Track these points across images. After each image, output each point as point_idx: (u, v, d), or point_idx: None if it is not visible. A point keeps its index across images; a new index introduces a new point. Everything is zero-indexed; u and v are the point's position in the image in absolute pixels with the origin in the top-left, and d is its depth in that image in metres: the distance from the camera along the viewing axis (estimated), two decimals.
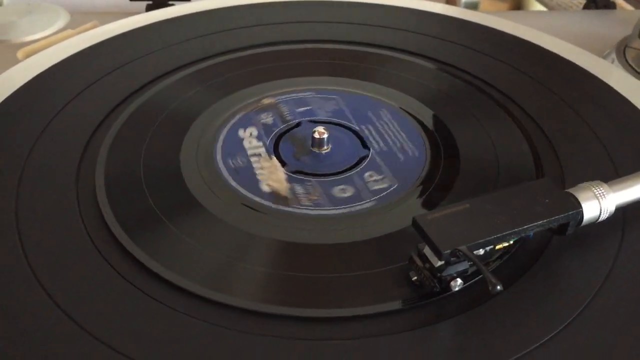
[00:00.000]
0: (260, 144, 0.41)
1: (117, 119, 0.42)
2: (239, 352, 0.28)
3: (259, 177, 0.38)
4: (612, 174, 0.38)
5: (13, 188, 0.36)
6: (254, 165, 0.39)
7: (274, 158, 0.40)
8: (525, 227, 0.30)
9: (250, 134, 0.41)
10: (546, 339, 0.28)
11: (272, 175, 0.37)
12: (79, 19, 0.66)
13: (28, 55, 0.56)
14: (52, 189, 0.36)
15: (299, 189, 0.37)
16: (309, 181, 0.38)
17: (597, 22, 0.69)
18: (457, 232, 0.29)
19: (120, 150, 0.40)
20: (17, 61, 0.57)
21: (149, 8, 0.68)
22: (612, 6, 0.73)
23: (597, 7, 0.73)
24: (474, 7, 0.96)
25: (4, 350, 0.27)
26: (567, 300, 0.30)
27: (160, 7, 0.62)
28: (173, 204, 0.36)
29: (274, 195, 0.37)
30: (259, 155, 0.40)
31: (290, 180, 0.38)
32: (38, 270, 0.31)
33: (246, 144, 0.41)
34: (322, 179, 0.38)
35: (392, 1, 0.60)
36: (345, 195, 0.37)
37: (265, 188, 0.37)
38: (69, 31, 0.61)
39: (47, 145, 0.40)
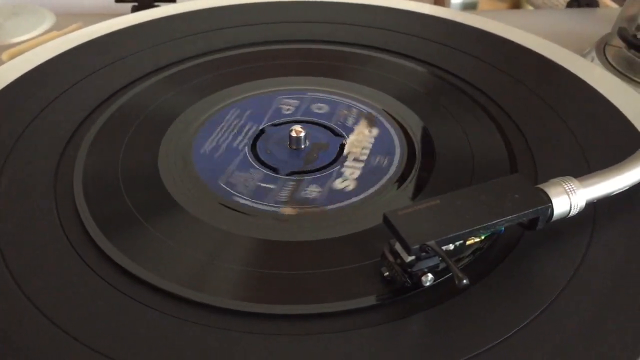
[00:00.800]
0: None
1: (96, 120, 0.43)
2: (216, 349, 0.28)
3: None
4: (585, 171, 0.38)
5: None
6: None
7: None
8: (494, 222, 0.30)
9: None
10: (514, 331, 0.28)
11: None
12: (64, 20, 0.66)
13: (13, 57, 0.56)
14: (31, 190, 0.37)
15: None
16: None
17: (580, 20, 0.70)
18: (426, 228, 0.29)
19: (98, 152, 0.40)
20: (1, 63, 0.57)
21: (134, 9, 0.69)
22: (595, 4, 0.74)
23: (579, 6, 0.74)
24: (472, 6, 0.97)
25: None
26: (536, 294, 0.30)
27: (145, 8, 0.62)
28: (150, 204, 0.36)
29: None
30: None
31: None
32: (15, 270, 0.31)
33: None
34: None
35: (374, 1, 0.61)
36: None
37: None
38: (54, 33, 0.61)
39: (27, 145, 0.40)
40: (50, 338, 0.28)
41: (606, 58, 0.57)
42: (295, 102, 0.46)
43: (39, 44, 0.56)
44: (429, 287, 0.30)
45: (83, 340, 0.28)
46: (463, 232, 0.29)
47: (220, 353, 0.28)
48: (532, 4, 0.94)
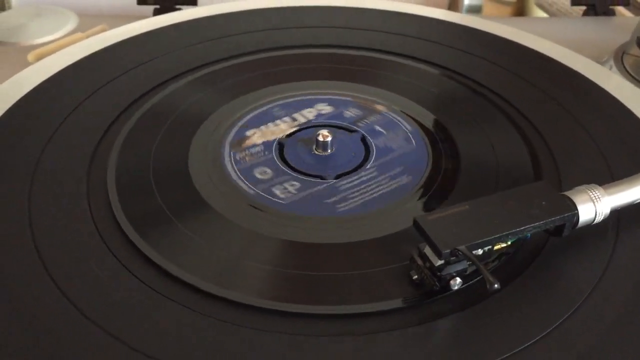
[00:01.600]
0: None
1: (127, 121, 0.44)
2: (242, 346, 0.29)
3: (262, 127, 0.41)
4: (607, 178, 0.39)
5: (25, 189, 0.37)
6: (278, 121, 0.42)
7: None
8: (522, 228, 0.31)
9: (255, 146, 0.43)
10: (541, 336, 0.29)
11: (269, 132, 0.41)
12: (86, 22, 0.67)
13: (39, 58, 0.57)
14: (64, 189, 0.37)
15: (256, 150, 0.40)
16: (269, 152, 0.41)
17: (596, 29, 0.70)
18: (456, 233, 0.30)
19: (130, 152, 0.41)
20: (27, 63, 0.58)
21: (156, 12, 0.70)
22: (612, 13, 0.74)
23: (596, 14, 0.74)
24: (476, 10, 0.97)
25: (19, 347, 0.28)
26: (562, 300, 0.31)
27: (167, 11, 0.63)
28: (181, 203, 0.37)
29: (242, 139, 0.40)
30: (295, 120, 0.43)
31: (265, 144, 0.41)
32: (50, 267, 0.32)
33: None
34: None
35: (396, 7, 0.61)
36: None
37: (249, 132, 0.41)
38: (79, 34, 0.62)
39: (58, 147, 0.41)
40: (83, 332, 0.29)
41: (624, 67, 0.58)
42: (359, 112, 0.47)
43: (64, 45, 0.57)
44: (457, 291, 0.31)
45: (115, 334, 0.29)
46: (492, 237, 0.30)
47: (245, 350, 0.29)
48: (546, 11, 0.95)
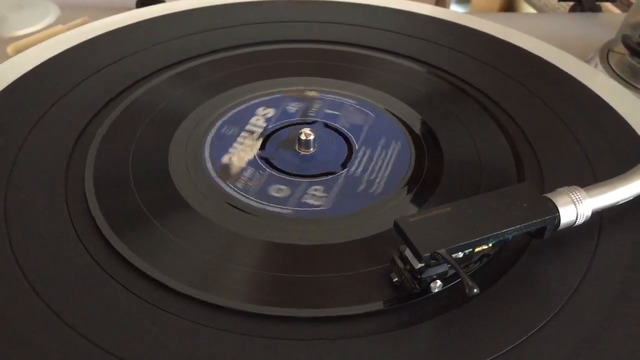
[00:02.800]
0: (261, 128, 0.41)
1: (107, 117, 0.43)
2: (222, 350, 0.28)
3: (230, 149, 0.40)
4: (590, 179, 0.39)
5: (2, 186, 0.36)
6: (237, 139, 0.39)
7: (260, 140, 0.40)
8: (504, 230, 0.30)
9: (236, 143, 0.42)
10: (522, 339, 0.29)
11: (242, 152, 0.38)
12: (69, 14, 0.66)
13: (18, 51, 0.56)
14: (41, 186, 0.37)
15: (249, 172, 0.39)
16: (263, 170, 0.39)
17: (583, 25, 0.70)
18: (437, 235, 0.30)
19: (109, 149, 0.40)
20: (6, 56, 0.57)
21: (139, 4, 0.69)
22: (598, 9, 0.74)
23: (582, 10, 0.74)
24: (466, 0, 0.97)
25: None
26: (543, 302, 0.31)
27: (150, 3, 0.62)
28: (161, 202, 0.37)
29: (223, 168, 0.39)
30: (251, 132, 0.40)
31: (250, 163, 0.40)
32: (24, 264, 0.32)
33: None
34: (298, 179, 0.39)
35: (380, 2, 0.61)
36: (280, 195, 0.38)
37: (224, 159, 0.39)
38: (60, 26, 0.61)
39: (36, 142, 0.40)
40: (57, 333, 0.28)
41: (609, 64, 0.58)
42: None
43: (45, 37, 0.56)
44: (437, 293, 0.31)
45: (89, 336, 0.28)
46: (473, 240, 0.30)
47: (224, 354, 0.28)
48: (534, 6, 0.95)
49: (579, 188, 0.34)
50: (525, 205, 0.32)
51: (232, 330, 0.29)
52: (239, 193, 0.38)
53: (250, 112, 0.45)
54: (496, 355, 0.28)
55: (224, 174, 0.39)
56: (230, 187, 0.38)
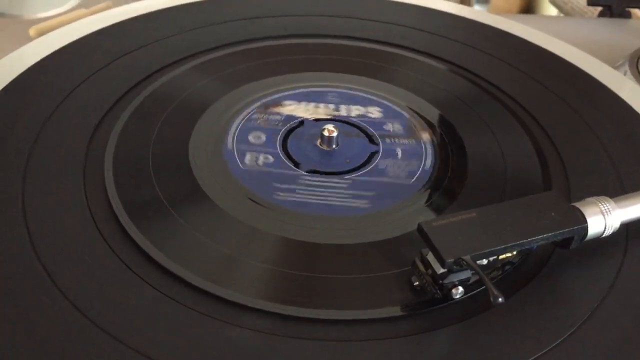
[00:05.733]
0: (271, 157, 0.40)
1: (128, 105, 0.42)
2: (235, 346, 0.28)
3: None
4: (618, 189, 0.38)
5: (20, 170, 0.36)
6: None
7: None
8: (530, 239, 0.30)
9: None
10: (545, 351, 0.28)
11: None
12: None
13: (40, 33, 0.56)
14: (60, 172, 0.36)
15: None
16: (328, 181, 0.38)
17: (612, 31, 0.69)
18: (461, 241, 0.29)
19: (129, 137, 0.40)
20: (28, 38, 0.57)
21: None
22: (627, 15, 0.73)
23: (612, 15, 0.73)
24: (485, 0, 0.96)
25: (6, 334, 0.27)
26: (567, 314, 0.30)
27: None
28: (180, 194, 0.36)
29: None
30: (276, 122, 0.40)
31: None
32: (41, 253, 0.31)
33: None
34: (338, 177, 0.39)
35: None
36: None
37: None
38: (82, 10, 0.61)
39: (55, 128, 0.40)
40: (73, 323, 0.28)
41: (639, 72, 0.56)
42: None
43: (67, 21, 0.56)
44: (458, 300, 0.30)
45: (104, 326, 0.28)
46: (499, 248, 0.29)
47: (233, 350, 0.28)
48: (560, 9, 0.93)
49: (608, 199, 0.33)
50: (553, 214, 0.31)
51: (243, 325, 0.29)
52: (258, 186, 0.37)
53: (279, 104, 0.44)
54: None
55: (267, 106, 0.38)
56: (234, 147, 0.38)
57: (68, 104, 0.42)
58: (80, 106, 0.42)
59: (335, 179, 0.38)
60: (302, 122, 0.43)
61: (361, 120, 0.43)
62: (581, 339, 0.29)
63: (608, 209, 0.32)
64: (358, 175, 0.39)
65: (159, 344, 0.28)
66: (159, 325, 0.28)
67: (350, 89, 0.47)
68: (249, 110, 0.43)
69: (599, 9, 0.75)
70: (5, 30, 0.60)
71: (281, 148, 0.40)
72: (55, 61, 0.46)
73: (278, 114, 0.43)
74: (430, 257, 0.30)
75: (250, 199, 0.36)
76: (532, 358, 0.28)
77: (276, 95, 0.45)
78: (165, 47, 0.49)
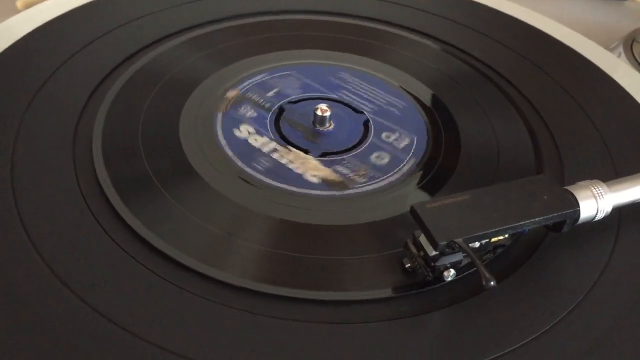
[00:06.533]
0: (266, 139, 0.39)
1: (117, 79, 0.42)
2: (224, 325, 0.28)
3: (296, 171, 0.37)
4: (610, 172, 0.38)
5: (8, 146, 0.35)
6: (282, 161, 0.37)
7: (293, 149, 0.39)
8: (523, 222, 0.30)
9: (248, 132, 0.40)
10: (537, 334, 0.28)
11: (305, 165, 0.37)
12: None
13: (27, 6, 0.54)
14: (49, 148, 0.36)
15: (341, 169, 0.37)
16: (343, 159, 0.38)
17: (607, 13, 0.69)
18: (454, 223, 0.29)
19: (119, 113, 0.39)
20: (15, 10, 0.56)
21: None
22: None
23: None
24: None
25: None
26: (559, 297, 0.30)
27: None
28: (169, 171, 0.36)
29: (327, 184, 0.36)
30: (276, 150, 0.38)
31: (326, 164, 0.38)
32: (31, 231, 0.31)
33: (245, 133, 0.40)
34: (352, 153, 0.39)
35: None
36: (385, 161, 0.37)
37: (312, 179, 0.36)
38: None
39: (44, 103, 0.39)
40: (61, 300, 0.28)
41: (633, 55, 0.56)
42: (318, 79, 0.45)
43: None
44: (449, 282, 0.30)
45: (91, 303, 0.28)
46: (491, 230, 0.29)
47: (226, 329, 0.28)
48: None
49: (601, 182, 0.33)
50: (545, 197, 0.31)
51: (232, 306, 0.29)
52: (249, 167, 0.37)
53: (267, 84, 0.44)
54: (507, 351, 0.28)
55: (337, 186, 0.36)
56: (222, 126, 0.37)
57: (56, 78, 0.41)
58: (69, 81, 0.41)
59: (326, 158, 0.38)
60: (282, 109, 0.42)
61: (355, 100, 0.43)
62: (573, 322, 0.29)
63: (600, 192, 0.32)
64: (350, 156, 0.38)
65: (148, 321, 0.27)
66: (147, 302, 0.28)
67: (345, 68, 0.46)
68: (241, 87, 0.43)
69: None
70: None
71: (275, 130, 0.40)
72: (42, 35, 0.45)
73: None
74: (423, 239, 0.30)
75: (240, 178, 0.36)
76: (524, 341, 0.28)
77: (266, 73, 0.45)
78: (156, 21, 0.48)
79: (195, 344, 0.27)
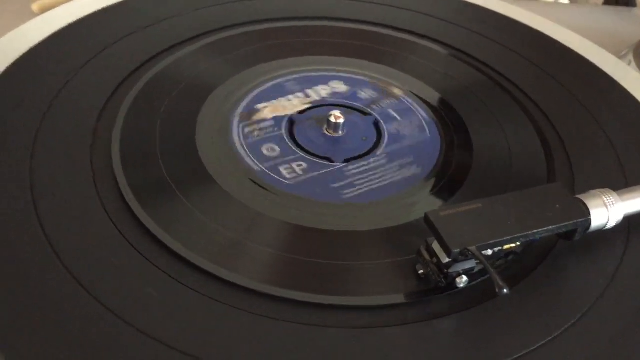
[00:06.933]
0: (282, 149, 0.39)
1: (135, 84, 0.42)
2: (236, 328, 0.28)
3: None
4: (621, 181, 0.38)
5: (27, 150, 0.36)
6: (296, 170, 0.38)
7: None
8: (535, 231, 0.30)
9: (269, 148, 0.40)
10: (546, 341, 0.29)
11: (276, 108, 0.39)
12: None
13: (43, 10, 0.55)
14: (67, 153, 0.36)
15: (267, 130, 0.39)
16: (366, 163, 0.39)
17: (616, 19, 0.69)
18: (467, 231, 0.29)
19: (136, 118, 0.40)
20: (31, 14, 0.56)
21: None
22: (633, 4, 0.73)
23: (617, 4, 0.73)
24: None
25: (15, 312, 0.28)
26: (568, 305, 0.31)
27: None
28: (186, 175, 0.36)
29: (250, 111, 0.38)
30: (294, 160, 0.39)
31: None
32: (50, 233, 0.31)
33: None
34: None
35: None
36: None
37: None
38: None
39: (62, 108, 0.40)
40: (79, 302, 0.28)
41: None
42: (344, 86, 0.46)
43: None
44: (462, 289, 0.31)
45: (108, 305, 0.28)
46: (504, 239, 0.29)
47: (236, 332, 0.28)
48: None
49: (612, 191, 0.33)
50: (557, 206, 0.31)
51: (246, 309, 0.29)
52: (262, 169, 0.37)
53: (281, 89, 0.44)
54: (516, 357, 0.28)
55: (247, 116, 0.38)
56: (239, 132, 0.38)
57: (74, 83, 0.42)
58: (86, 86, 0.42)
59: (340, 166, 0.38)
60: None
61: (370, 108, 0.43)
62: (583, 329, 0.29)
63: (611, 201, 0.33)
64: (362, 163, 0.39)
65: (163, 325, 0.28)
66: (163, 305, 0.29)
67: (357, 74, 0.47)
68: (255, 93, 0.43)
69: None
70: (7, 5, 0.59)
71: (287, 132, 0.40)
72: (60, 39, 0.46)
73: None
74: (436, 246, 0.30)
75: (252, 181, 0.36)
76: (535, 347, 0.28)
77: (279, 80, 0.45)
78: (173, 26, 0.49)
79: (206, 343, 0.27)
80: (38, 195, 0.33)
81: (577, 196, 0.33)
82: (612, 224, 0.33)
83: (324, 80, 0.46)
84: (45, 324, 0.27)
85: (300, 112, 0.42)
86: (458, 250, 0.28)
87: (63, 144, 0.37)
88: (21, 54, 0.43)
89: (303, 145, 0.40)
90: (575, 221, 0.31)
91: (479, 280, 0.31)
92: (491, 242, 0.29)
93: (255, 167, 0.37)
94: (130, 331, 0.27)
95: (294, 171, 0.38)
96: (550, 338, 0.29)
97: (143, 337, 0.27)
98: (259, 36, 0.49)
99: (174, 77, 0.44)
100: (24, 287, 0.29)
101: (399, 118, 0.43)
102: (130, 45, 0.46)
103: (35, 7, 0.57)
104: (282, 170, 0.37)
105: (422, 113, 0.44)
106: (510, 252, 0.32)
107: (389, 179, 0.38)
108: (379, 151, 0.40)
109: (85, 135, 0.38)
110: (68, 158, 0.36)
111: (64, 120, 0.39)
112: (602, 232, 0.33)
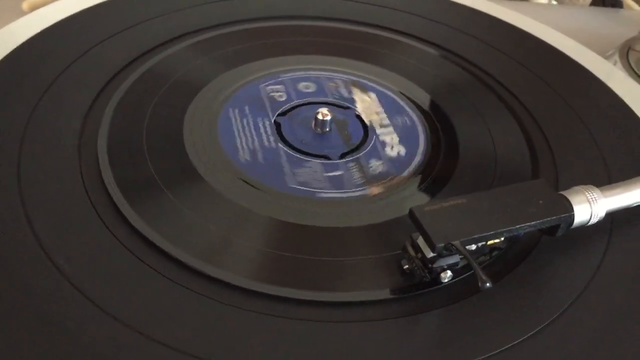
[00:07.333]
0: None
1: (122, 82, 0.42)
2: (223, 323, 0.28)
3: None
4: (604, 178, 0.39)
5: (15, 149, 0.36)
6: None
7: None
8: (518, 226, 0.30)
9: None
10: (529, 335, 0.29)
11: None
12: None
13: (33, 8, 0.55)
14: (54, 151, 0.36)
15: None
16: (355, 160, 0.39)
17: (603, 20, 0.70)
18: (451, 226, 0.30)
19: (123, 116, 0.40)
20: (21, 12, 0.56)
21: None
22: (620, 5, 0.73)
23: (604, 5, 0.73)
24: None
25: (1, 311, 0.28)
26: (551, 300, 0.31)
27: None
28: (173, 173, 0.36)
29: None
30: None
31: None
32: (38, 230, 0.31)
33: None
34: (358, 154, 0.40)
35: None
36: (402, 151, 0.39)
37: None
38: None
39: (49, 107, 0.40)
40: (66, 297, 0.28)
41: (629, 63, 0.57)
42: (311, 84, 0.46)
43: None
44: (447, 283, 0.31)
45: (96, 300, 0.28)
46: (488, 234, 0.30)
47: (225, 329, 0.28)
48: None
49: (595, 187, 0.34)
50: (541, 202, 0.32)
51: (234, 305, 0.29)
52: (250, 167, 0.37)
53: (262, 90, 0.44)
54: (499, 351, 0.28)
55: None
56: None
57: (62, 80, 0.42)
58: (74, 83, 0.42)
59: (327, 161, 0.39)
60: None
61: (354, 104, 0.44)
62: (565, 323, 0.30)
63: (594, 197, 0.33)
64: (349, 160, 0.39)
65: (153, 320, 0.28)
66: (150, 300, 0.29)
67: (344, 72, 0.47)
68: (244, 91, 0.44)
69: None
70: None
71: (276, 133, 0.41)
72: (48, 37, 0.46)
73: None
74: (421, 241, 0.30)
75: (240, 179, 0.36)
76: (517, 341, 0.29)
77: (272, 78, 0.45)
78: (161, 24, 0.49)
79: (194, 339, 0.28)
80: (26, 194, 0.33)
81: (561, 192, 0.33)
82: (594, 220, 0.33)
83: (305, 79, 0.46)
84: (31, 321, 0.27)
85: (282, 114, 0.42)
86: (442, 244, 0.29)
87: (50, 142, 0.37)
88: (8, 52, 0.43)
89: (293, 144, 0.40)
90: (558, 217, 0.32)
91: (464, 275, 0.31)
92: (475, 236, 0.29)
93: (243, 166, 0.37)
94: (116, 326, 0.27)
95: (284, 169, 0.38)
96: (533, 332, 0.29)
97: (131, 332, 0.27)
98: (248, 35, 0.50)
99: (161, 76, 0.44)
100: (10, 285, 0.29)
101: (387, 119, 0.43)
102: (118, 43, 0.46)
103: (25, 5, 0.57)
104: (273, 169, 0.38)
105: (409, 110, 0.44)
106: (494, 247, 0.33)
107: (375, 174, 0.38)
108: (367, 146, 0.40)
109: (72, 133, 0.38)
110: (55, 156, 0.36)
111: (51, 118, 0.39)
112: (585, 228, 0.34)
